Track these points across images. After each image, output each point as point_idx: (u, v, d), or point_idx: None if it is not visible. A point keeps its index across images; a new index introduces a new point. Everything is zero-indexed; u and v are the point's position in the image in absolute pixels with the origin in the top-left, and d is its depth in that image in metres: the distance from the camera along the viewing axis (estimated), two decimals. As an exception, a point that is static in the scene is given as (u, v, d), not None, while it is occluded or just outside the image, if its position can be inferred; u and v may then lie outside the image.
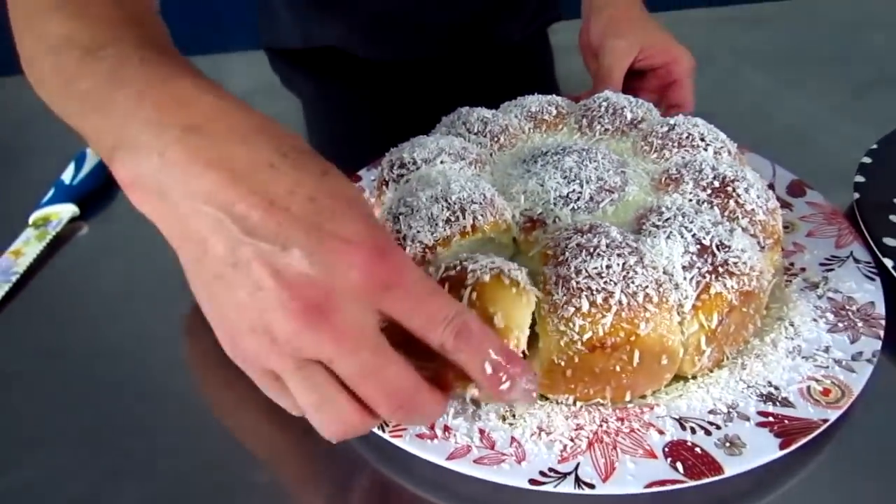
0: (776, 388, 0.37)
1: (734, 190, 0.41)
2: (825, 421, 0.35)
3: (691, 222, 0.38)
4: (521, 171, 0.45)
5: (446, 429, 0.36)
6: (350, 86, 0.75)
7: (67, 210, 0.56)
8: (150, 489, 0.37)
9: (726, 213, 0.41)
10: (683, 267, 0.37)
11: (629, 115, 0.50)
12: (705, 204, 0.41)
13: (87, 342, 0.46)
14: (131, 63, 0.30)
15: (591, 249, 0.36)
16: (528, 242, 0.42)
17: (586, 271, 0.36)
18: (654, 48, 0.58)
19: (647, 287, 0.35)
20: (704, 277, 0.37)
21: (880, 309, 0.41)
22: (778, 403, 0.36)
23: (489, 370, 0.29)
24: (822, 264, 0.45)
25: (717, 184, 0.41)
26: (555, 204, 0.42)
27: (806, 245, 0.46)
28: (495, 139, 0.49)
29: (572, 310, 0.35)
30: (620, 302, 0.35)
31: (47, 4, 0.35)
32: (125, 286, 0.50)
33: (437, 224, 0.40)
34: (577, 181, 0.43)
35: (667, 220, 0.39)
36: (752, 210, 0.41)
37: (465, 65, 0.76)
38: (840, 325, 0.40)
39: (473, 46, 0.78)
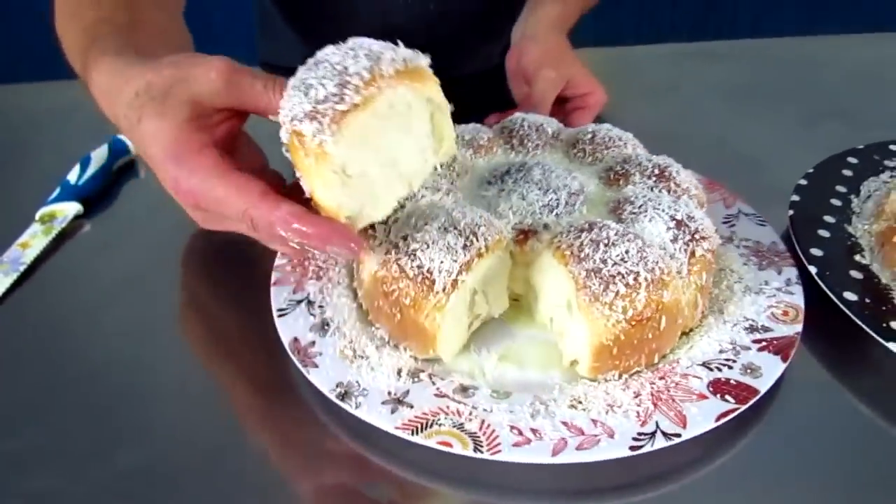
0: (752, 320, 0.46)
1: (671, 174, 0.50)
2: (798, 334, 0.45)
3: (659, 204, 0.46)
4: (496, 192, 0.49)
5: (534, 431, 0.39)
6: None
7: (72, 208, 0.62)
8: (145, 452, 0.42)
9: (671, 193, 0.49)
10: (671, 240, 0.44)
11: (550, 130, 0.57)
12: (655, 189, 0.49)
13: (86, 327, 0.51)
14: (91, 67, 0.42)
15: (606, 241, 0.42)
16: (525, 253, 0.46)
17: (612, 260, 0.41)
18: (579, 80, 0.68)
19: (658, 262, 0.42)
20: (688, 245, 0.44)
21: (781, 245, 0.53)
22: (761, 330, 0.45)
23: (296, 246, 0.37)
24: (724, 222, 0.56)
25: (657, 171, 0.50)
26: (541, 213, 0.47)
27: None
28: (451, 168, 0.52)
29: (612, 294, 0.40)
30: (647, 279, 0.41)
31: (66, 13, 0.49)
32: (123, 278, 0.55)
33: (456, 251, 0.42)
34: (552, 190, 0.48)
35: (640, 206, 0.46)
36: (688, 188, 0.50)
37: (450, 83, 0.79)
38: (763, 263, 0.51)
39: (459, 66, 0.79)
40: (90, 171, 0.67)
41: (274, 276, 0.51)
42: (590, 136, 0.55)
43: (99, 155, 0.71)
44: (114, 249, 0.59)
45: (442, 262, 0.42)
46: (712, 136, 0.74)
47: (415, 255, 0.43)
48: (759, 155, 0.70)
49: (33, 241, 0.59)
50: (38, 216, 0.61)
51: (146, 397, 0.45)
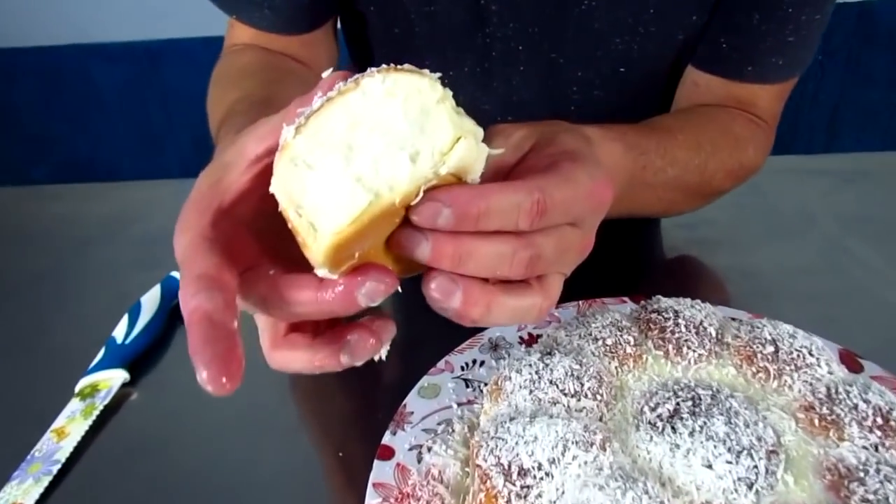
0: None
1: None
2: None
3: (899, 487, 0.34)
4: (666, 447, 0.38)
5: None
6: None
7: (118, 377, 0.54)
8: None
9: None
10: (928, 552, 0.32)
11: (713, 331, 0.45)
12: (881, 448, 0.37)
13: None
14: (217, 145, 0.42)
15: (853, 571, 0.30)
16: (714, 542, 0.35)
17: None
18: (564, 139, 0.37)
19: None
20: (952, 558, 0.32)
21: None
22: None
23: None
24: (938, 454, 0.44)
25: (879, 420, 0.38)
26: (736, 490, 0.35)
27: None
28: (598, 396, 0.41)
29: None
30: None
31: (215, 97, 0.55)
32: (169, 470, 0.47)
33: (640, 570, 0.31)
34: (744, 452, 0.36)
35: (874, 490, 0.34)
36: (919, 442, 0.38)
37: None
38: None
39: None
40: (140, 324, 0.58)
41: (370, 530, 0.40)
42: (771, 349, 0.43)
43: (150, 301, 0.62)
44: (164, 429, 0.50)
45: (620, 588, 0.31)
46: (861, 292, 0.59)
47: (581, 572, 0.31)
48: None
49: (70, 426, 0.50)
50: (77, 389, 0.53)
51: None
